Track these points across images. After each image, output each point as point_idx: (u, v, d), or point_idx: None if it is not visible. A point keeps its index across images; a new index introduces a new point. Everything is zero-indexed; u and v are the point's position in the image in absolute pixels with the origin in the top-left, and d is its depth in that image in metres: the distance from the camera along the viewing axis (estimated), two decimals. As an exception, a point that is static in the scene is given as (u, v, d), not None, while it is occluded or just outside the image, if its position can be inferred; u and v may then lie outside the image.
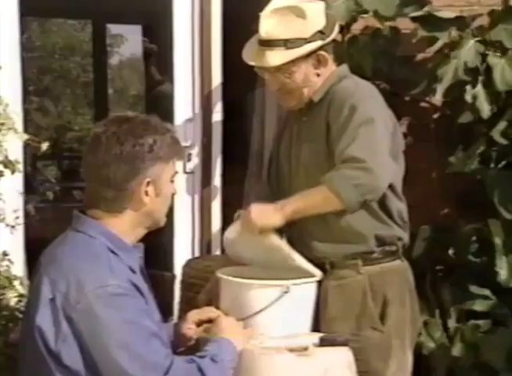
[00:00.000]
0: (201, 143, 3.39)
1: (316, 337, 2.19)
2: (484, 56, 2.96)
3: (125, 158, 1.94)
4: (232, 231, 2.41)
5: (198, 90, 3.36)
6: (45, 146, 2.68)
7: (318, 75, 2.42)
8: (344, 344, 2.17)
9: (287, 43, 2.34)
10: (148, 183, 1.96)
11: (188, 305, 2.76)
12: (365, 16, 3.11)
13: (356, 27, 3.18)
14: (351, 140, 2.27)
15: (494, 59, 2.94)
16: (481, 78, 2.96)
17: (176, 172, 2.06)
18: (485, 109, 2.96)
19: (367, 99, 2.36)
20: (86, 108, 12.38)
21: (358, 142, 2.27)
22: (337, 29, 2.43)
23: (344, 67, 2.51)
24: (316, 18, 2.38)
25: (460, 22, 2.99)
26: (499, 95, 2.96)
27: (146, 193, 1.97)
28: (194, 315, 2.24)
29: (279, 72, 2.39)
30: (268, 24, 2.37)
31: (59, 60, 13.38)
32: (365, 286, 2.39)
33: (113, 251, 1.95)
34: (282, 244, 2.31)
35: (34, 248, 2.39)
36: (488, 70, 2.95)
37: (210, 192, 3.42)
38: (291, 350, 2.11)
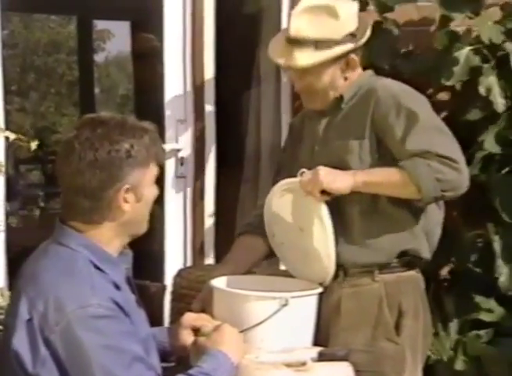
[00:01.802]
0: (193, 146, 3.39)
1: (315, 351, 2.19)
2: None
3: (100, 166, 1.90)
4: (286, 185, 2.40)
5: (190, 90, 3.37)
6: (34, 144, 2.66)
7: (345, 79, 2.45)
8: (344, 358, 2.17)
9: (317, 44, 2.36)
10: (127, 190, 1.93)
11: (179, 316, 2.76)
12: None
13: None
14: (427, 139, 2.32)
15: (510, 46, 2.98)
16: (493, 65, 2.98)
17: (158, 173, 2.02)
18: (500, 102, 2.97)
19: (419, 99, 2.43)
20: (72, 108, 12.36)
21: (440, 142, 2.33)
22: (368, 32, 2.44)
23: (371, 71, 2.54)
24: (349, 19, 2.40)
25: (476, 5, 3.01)
26: None
27: (126, 200, 1.94)
28: (190, 320, 2.23)
29: (306, 72, 2.41)
30: (299, 22, 2.38)
31: (43, 58, 13.37)
32: (382, 294, 2.41)
33: (96, 266, 1.92)
34: (328, 221, 2.31)
35: (17, 256, 2.39)
36: (503, 59, 2.97)
37: (204, 197, 3.42)
38: (288, 365, 2.10)
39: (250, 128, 3.65)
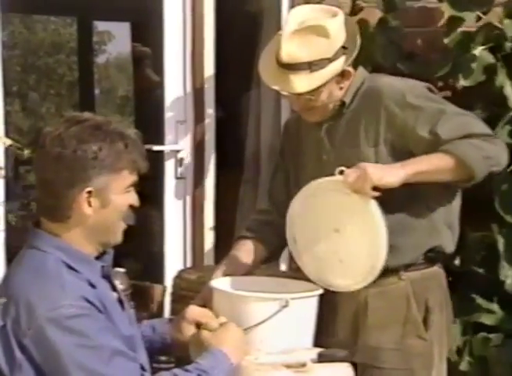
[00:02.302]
0: (193, 147, 3.39)
1: (315, 352, 2.19)
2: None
3: (64, 163, 1.89)
4: (312, 189, 2.37)
5: (190, 91, 3.37)
6: (26, 153, 2.69)
7: (341, 88, 2.43)
8: (343, 359, 2.17)
9: (311, 66, 2.33)
10: (90, 193, 1.91)
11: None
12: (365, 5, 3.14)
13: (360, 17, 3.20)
14: (459, 125, 2.33)
15: None
16: (502, 63, 2.97)
17: (134, 182, 1.99)
18: None
19: (426, 92, 2.43)
20: (71, 110, 12.35)
21: (471, 123, 2.35)
22: (359, 40, 2.41)
23: (361, 68, 2.52)
24: (339, 34, 2.37)
25: (488, 3, 2.99)
26: None
27: (89, 204, 1.92)
28: (194, 315, 2.21)
29: (303, 94, 2.38)
30: (290, 46, 2.34)
31: (43, 59, 13.37)
32: (408, 292, 2.42)
33: (69, 266, 1.91)
34: (380, 217, 2.27)
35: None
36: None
37: (203, 198, 3.42)
38: (288, 366, 2.10)
39: (250, 130, 3.65)
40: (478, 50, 2.97)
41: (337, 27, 2.37)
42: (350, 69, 2.42)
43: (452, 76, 3.01)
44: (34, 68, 12.95)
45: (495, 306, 2.99)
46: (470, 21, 3.00)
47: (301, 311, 2.26)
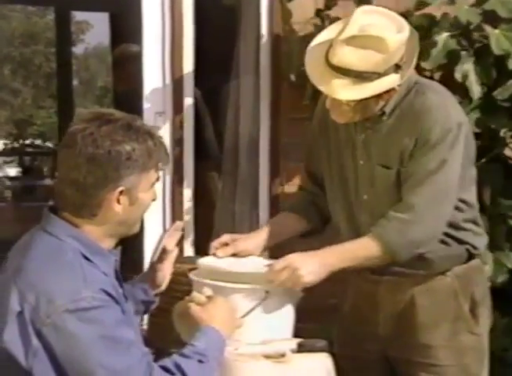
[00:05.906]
0: (172, 138, 3.40)
1: (294, 342, 2.20)
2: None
3: (98, 164, 1.91)
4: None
5: (169, 82, 3.37)
6: None
7: (378, 103, 2.34)
8: (322, 350, 2.19)
9: (359, 76, 2.24)
10: (121, 192, 1.94)
11: (157, 309, 2.77)
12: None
13: (335, 13, 3.22)
14: (430, 197, 2.30)
15: (488, 28, 2.99)
16: (472, 52, 3.00)
17: (157, 179, 2.03)
18: (475, 89, 2.98)
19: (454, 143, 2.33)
20: (49, 101, 12.31)
21: (441, 202, 2.31)
22: (415, 61, 2.32)
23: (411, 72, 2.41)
24: (397, 51, 2.26)
25: None
26: (489, 74, 2.99)
27: (118, 202, 1.95)
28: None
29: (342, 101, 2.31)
30: (344, 52, 2.24)
31: (19, 48, 13.30)
32: (456, 288, 2.42)
33: (86, 257, 1.93)
34: None
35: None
36: (481, 47, 3.00)
37: (182, 190, 3.43)
38: (268, 357, 2.12)
39: (229, 121, 3.66)
40: (443, 36, 2.99)
41: (398, 44, 2.25)
42: (397, 88, 2.32)
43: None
44: (10, 58, 12.88)
45: None
46: (436, 6, 3.03)
47: (281, 302, 2.27)
